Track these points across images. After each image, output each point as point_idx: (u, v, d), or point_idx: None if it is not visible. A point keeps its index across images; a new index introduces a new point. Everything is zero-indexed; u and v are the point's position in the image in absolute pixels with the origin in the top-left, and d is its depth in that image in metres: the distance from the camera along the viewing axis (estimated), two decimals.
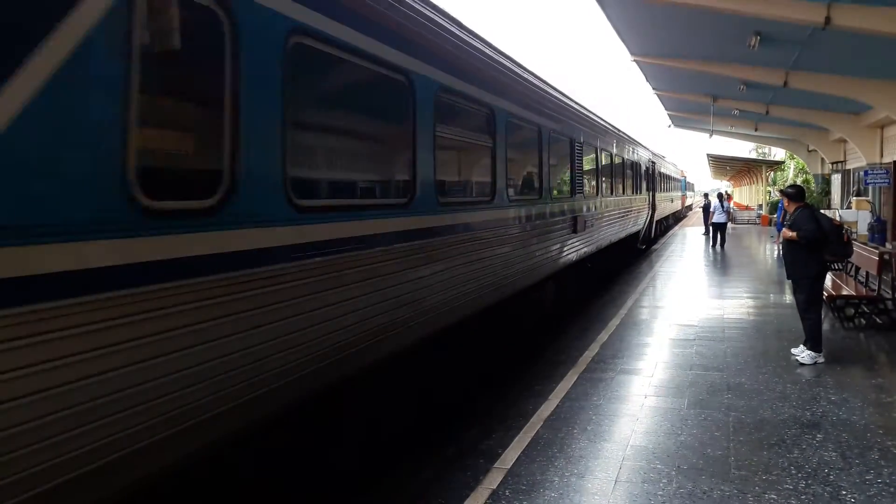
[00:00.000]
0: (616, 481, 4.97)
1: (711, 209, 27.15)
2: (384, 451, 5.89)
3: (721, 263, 20.43)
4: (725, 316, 11.51)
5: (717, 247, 25.13)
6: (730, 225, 40.28)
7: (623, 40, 17.41)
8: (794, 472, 5.10)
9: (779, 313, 11.70)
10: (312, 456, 4.96)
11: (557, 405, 6.68)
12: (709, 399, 6.91)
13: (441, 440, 6.07)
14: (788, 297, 13.62)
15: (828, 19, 11.73)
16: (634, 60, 19.15)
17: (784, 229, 8.28)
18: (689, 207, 69.94)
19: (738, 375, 7.76)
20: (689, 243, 28.07)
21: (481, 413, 6.65)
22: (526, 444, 5.67)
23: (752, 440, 5.77)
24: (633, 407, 6.68)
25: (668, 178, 35.89)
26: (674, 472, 5.11)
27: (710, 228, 26.89)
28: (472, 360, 8.04)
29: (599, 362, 8.38)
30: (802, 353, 8.32)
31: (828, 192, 31.98)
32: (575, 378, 7.65)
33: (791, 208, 8.48)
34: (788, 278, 8.61)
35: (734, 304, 12.75)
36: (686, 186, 58.71)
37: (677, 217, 47.95)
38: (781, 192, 8.26)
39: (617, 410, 6.59)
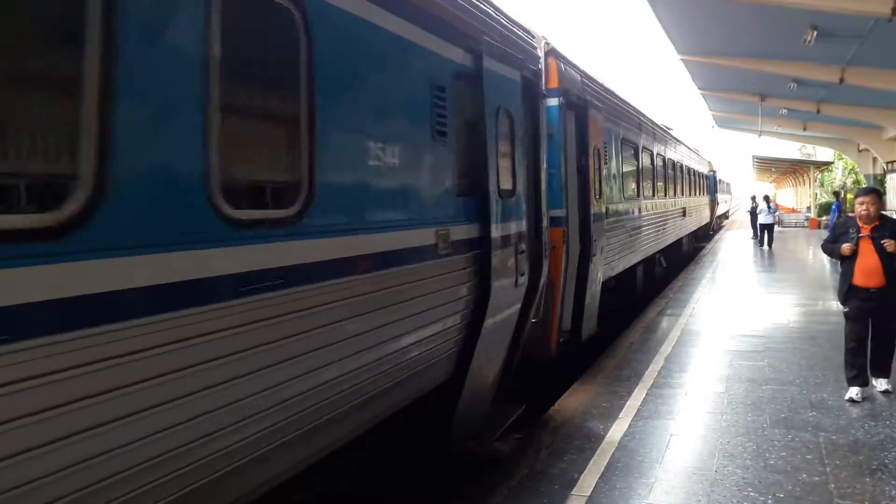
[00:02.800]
0: None
1: (758, 210, 28.18)
2: (446, 469, 5.56)
3: (775, 268, 19.70)
4: (792, 325, 10.94)
5: (765, 246, 26.20)
6: (777, 228, 39.42)
7: (671, 38, 16.88)
8: None
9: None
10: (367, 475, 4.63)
11: (629, 425, 6.26)
12: (792, 417, 6.42)
13: (508, 459, 5.71)
14: None
15: (895, 10, 11.10)
16: (682, 59, 18.60)
17: (889, 241, 6.55)
18: (725, 216, 53.89)
19: (818, 391, 7.25)
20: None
21: (546, 431, 6.27)
22: (602, 468, 5.27)
23: (850, 464, 5.29)
24: (711, 425, 6.23)
25: (679, 167, 20.97)
26: (770, 501, 4.66)
27: (759, 229, 27.85)
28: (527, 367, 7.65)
29: (667, 377, 7.93)
30: (878, 384, 7.08)
31: (883, 193, 30.80)
32: (644, 394, 7.22)
33: (872, 211, 6.77)
34: (884, 302, 6.76)
35: (798, 312, 12.15)
36: (716, 186, 35.72)
37: (699, 236, 29.93)
38: (868, 191, 7.14)
39: (694, 430, 6.15)
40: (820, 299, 14.03)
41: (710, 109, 31.09)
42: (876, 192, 7.15)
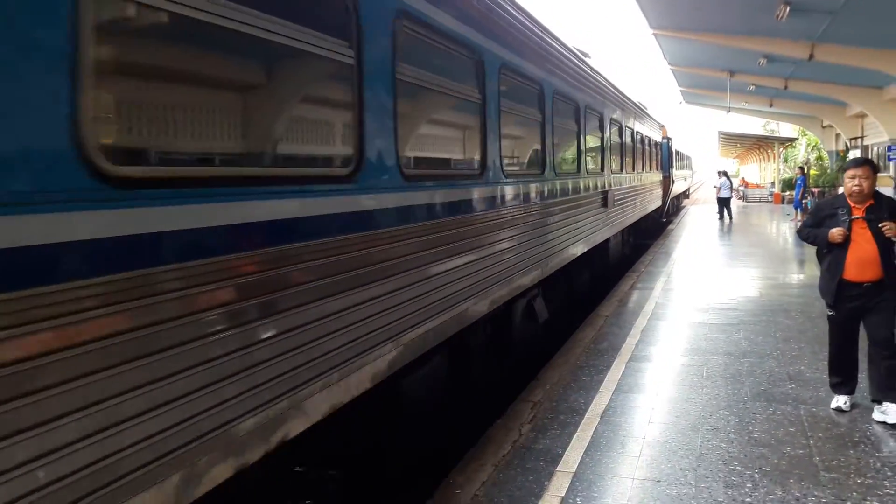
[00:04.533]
0: (696, 486, 4.48)
1: (718, 185, 28.90)
2: (428, 446, 5.42)
3: (742, 243, 19.89)
4: (764, 298, 11.01)
5: (726, 219, 27.06)
6: (742, 203, 40.00)
7: (644, 12, 16.75)
8: (890, 473, 4.60)
9: (817, 294, 11.08)
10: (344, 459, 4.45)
11: (611, 399, 6.18)
12: (771, 390, 6.40)
13: (490, 436, 5.58)
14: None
15: None
16: (654, 33, 18.51)
17: (889, 224, 5.35)
18: (685, 195, 44.24)
19: (795, 363, 7.26)
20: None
21: (528, 406, 6.16)
22: (587, 443, 5.17)
23: (833, 437, 5.27)
24: (693, 399, 6.17)
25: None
26: (757, 475, 4.61)
27: (718, 203, 28.38)
28: (505, 344, 7.54)
29: (644, 350, 7.87)
30: (887, 410, 5.51)
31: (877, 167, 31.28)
32: (623, 368, 7.15)
33: (866, 187, 5.52)
34: (879, 299, 5.54)
35: (769, 285, 12.24)
36: (670, 158, 27.83)
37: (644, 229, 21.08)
38: (861, 163, 5.90)
39: (675, 403, 6.09)
40: (789, 272, 14.23)
41: (679, 85, 31.25)
42: (870, 164, 5.69)
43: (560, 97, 8.79)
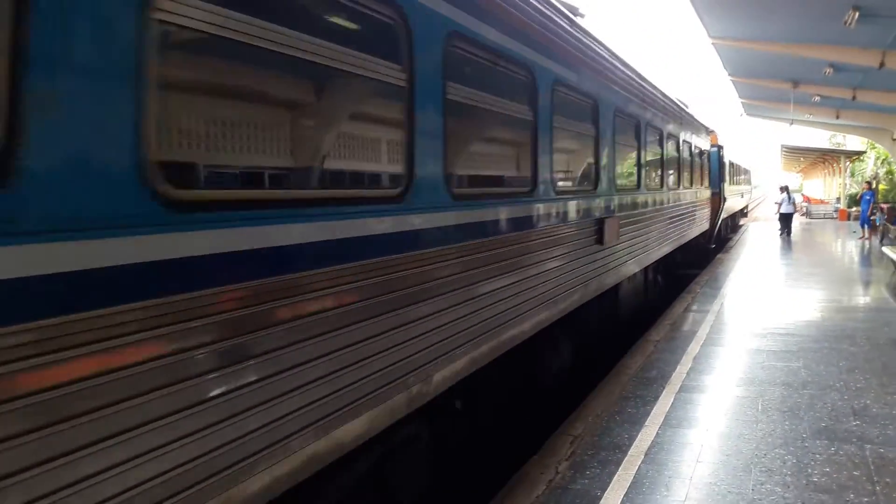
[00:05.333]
0: None
1: (779, 201, 28.29)
2: (453, 481, 5.17)
3: (804, 261, 18.99)
4: (826, 322, 10.37)
5: (785, 234, 26.61)
6: (805, 220, 38.49)
7: (702, 20, 16.21)
8: None
9: (885, 319, 10.49)
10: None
11: (657, 434, 5.81)
12: (834, 426, 5.92)
13: (525, 474, 5.29)
14: (891, 300, 12.35)
15: None
16: (713, 42, 17.92)
17: None
18: (743, 213, 39.68)
19: (860, 396, 6.73)
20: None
21: (567, 440, 5.84)
22: (628, 484, 4.83)
23: None
24: (746, 435, 5.75)
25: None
26: None
27: (780, 218, 27.73)
28: (541, 372, 7.23)
29: (695, 380, 7.44)
30: None
31: None
32: (671, 399, 6.74)
33: None
34: None
35: (832, 308, 11.56)
36: (721, 170, 22.16)
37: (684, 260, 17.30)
38: None
39: (727, 440, 5.67)
40: (854, 294, 13.44)
41: (740, 97, 30.29)
42: None
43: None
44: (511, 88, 5.73)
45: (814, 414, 6.25)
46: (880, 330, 9.73)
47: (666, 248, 12.77)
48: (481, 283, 4.84)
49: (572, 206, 6.98)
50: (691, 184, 15.64)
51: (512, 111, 5.76)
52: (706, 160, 18.84)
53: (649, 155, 10.96)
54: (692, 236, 16.45)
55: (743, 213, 40.46)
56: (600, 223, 7.82)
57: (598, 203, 7.89)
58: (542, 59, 6.02)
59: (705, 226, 18.81)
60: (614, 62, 8.90)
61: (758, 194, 67.97)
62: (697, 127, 16.94)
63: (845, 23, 13.67)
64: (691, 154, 15.65)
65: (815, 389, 6.98)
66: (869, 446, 5.47)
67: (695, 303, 12.26)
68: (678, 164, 13.89)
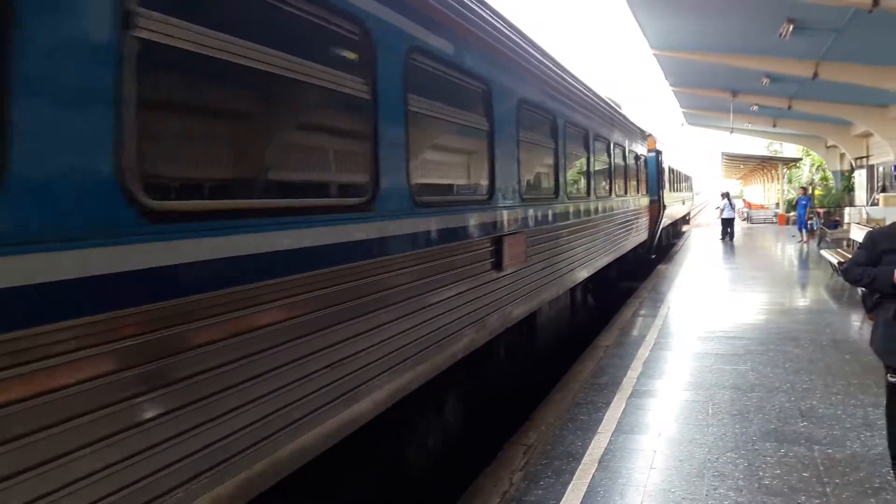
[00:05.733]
0: None
1: (721, 206, 29.18)
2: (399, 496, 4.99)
3: (746, 265, 19.47)
4: (771, 325, 10.57)
5: (727, 238, 27.25)
6: (746, 224, 39.64)
7: (644, 31, 16.50)
8: None
9: (826, 320, 10.75)
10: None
11: (610, 440, 5.76)
12: (782, 428, 5.97)
13: (478, 487, 5.16)
14: (830, 302, 12.71)
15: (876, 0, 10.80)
16: (654, 54, 18.25)
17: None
18: (685, 220, 38.72)
19: (807, 397, 6.83)
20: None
21: (520, 450, 5.73)
22: (583, 494, 4.74)
23: (852, 483, 4.84)
24: (698, 440, 5.75)
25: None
26: None
27: (721, 223, 28.34)
28: (496, 378, 7.14)
29: (646, 384, 7.45)
30: None
31: (850, 189, 30.94)
32: (623, 405, 6.72)
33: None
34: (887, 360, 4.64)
35: (776, 311, 11.81)
36: (659, 176, 20.98)
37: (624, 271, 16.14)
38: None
39: (679, 445, 5.66)
40: (795, 296, 13.80)
41: (681, 106, 31.03)
42: None
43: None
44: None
45: (762, 416, 6.30)
46: (822, 331, 9.96)
47: (598, 263, 11.24)
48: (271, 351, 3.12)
49: (443, 223, 4.97)
50: (626, 191, 14.26)
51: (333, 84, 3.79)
52: (643, 166, 17.30)
53: (571, 159, 9.39)
54: (630, 247, 15.09)
55: (685, 219, 39.24)
56: (497, 242, 6.01)
57: (495, 217, 6.03)
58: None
59: (644, 236, 17.53)
60: (512, 34, 6.79)
61: (700, 200, 69.01)
62: (632, 130, 15.62)
63: (780, 35, 14.07)
64: (625, 159, 14.24)
65: (763, 392, 7.06)
66: (817, 447, 5.52)
67: (642, 307, 12.38)
68: (609, 169, 12.43)
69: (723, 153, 46.01)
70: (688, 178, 39.59)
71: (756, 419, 6.22)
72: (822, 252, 17.55)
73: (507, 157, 6.39)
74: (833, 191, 33.75)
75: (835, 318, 11.08)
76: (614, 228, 12.75)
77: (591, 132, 10.63)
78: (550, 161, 8.41)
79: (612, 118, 12.90)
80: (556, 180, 8.45)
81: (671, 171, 26.07)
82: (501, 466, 5.30)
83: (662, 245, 23.93)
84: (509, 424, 6.36)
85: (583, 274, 10.07)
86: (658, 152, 20.52)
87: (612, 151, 12.44)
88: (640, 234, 16.60)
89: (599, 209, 11.15)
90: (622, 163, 13.88)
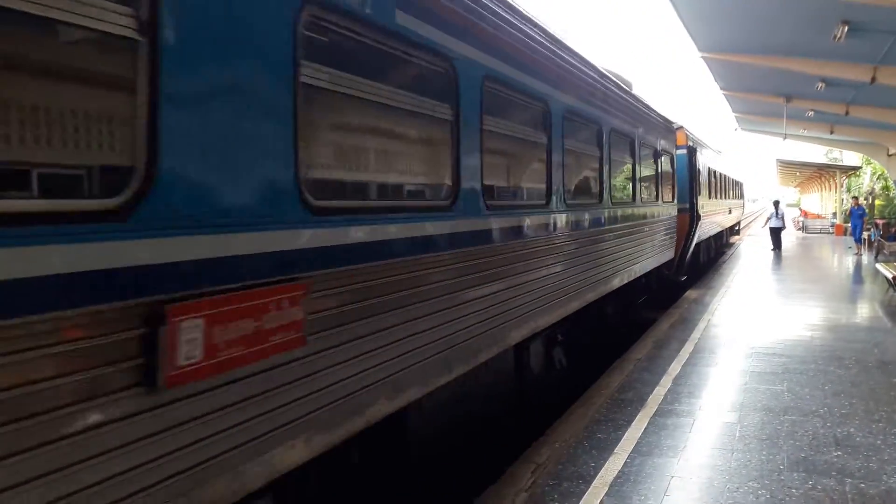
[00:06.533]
0: None
1: (769, 215, 28.36)
2: None
3: (797, 277, 18.69)
4: (816, 341, 10.05)
5: (775, 248, 26.27)
6: (802, 234, 38.31)
7: (691, 34, 16.00)
8: None
9: (876, 339, 10.17)
10: None
11: (625, 462, 5.48)
12: (813, 457, 5.59)
13: None
14: (884, 319, 12.05)
15: None
16: (702, 57, 17.70)
17: None
18: (734, 230, 35.44)
19: (844, 423, 6.41)
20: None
21: (528, 468, 5.50)
22: None
23: None
24: (720, 466, 5.42)
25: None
26: None
27: (770, 232, 27.48)
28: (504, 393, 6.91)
29: (673, 402, 7.11)
30: None
31: None
32: (645, 424, 6.41)
33: None
34: None
35: (823, 327, 11.23)
36: (693, 177, 17.27)
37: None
38: None
39: (699, 471, 5.34)
40: (845, 312, 13.10)
41: (733, 111, 30.11)
42: None
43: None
44: None
45: (793, 443, 5.92)
46: (870, 351, 9.42)
47: (572, 305, 7.83)
48: None
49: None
50: (636, 198, 11.07)
51: None
52: (667, 166, 13.95)
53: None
54: (640, 272, 11.75)
55: (734, 230, 35.74)
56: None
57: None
58: None
59: (668, 255, 14.24)
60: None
61: (757, 208, 66.22)
62: (647, 118, 12.16)
63: (835, 37, 13.44)
64: (635, 154, 10.95)
65: (797, 415, 6.66)
66: (849, 480, 5.14)
67: (681, 320, 11.94)
68: (601, 169, 9.09)
69: (777, 160, 44.51)
70: (737, 184, 35.00)
71: (786, 445, 5.85)
72: (878, 266, 16.72)
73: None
74: (895, 201, 32.30)
75: (886, 336, 10.47)
76: (611, 249, 9.47)
77: (574, 111, 7.79)
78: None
79: (613, 98, 9.64)
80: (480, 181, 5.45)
81: (713, 173, 22.39)
82: (506, 485, 5.08)
83: (701, 263, 20.62)
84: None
85: (539, 321, 6.82)
86: (691, 149, 17.12)
87: (607, 142, 9.22)
88: (660, 254, 13.35)
89: (579, 223, 7.99)
90: (628, 160, 10.74)
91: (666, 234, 13.93)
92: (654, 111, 13.22)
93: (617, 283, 10.10)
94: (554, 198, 7.11)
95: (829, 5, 12.26)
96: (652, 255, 12.73)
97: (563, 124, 7.40)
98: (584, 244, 8.26)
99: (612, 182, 9.68)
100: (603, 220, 9.10)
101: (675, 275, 16.08)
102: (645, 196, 11.98)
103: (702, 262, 20.87)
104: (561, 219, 7.34)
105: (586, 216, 8.33)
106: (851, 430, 6.24)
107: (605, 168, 9.24)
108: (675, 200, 15.02)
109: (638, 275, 11.61)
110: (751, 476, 5.22)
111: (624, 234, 10.26)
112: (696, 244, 17.87)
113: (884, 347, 9.63)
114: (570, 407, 7.12)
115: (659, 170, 13.17)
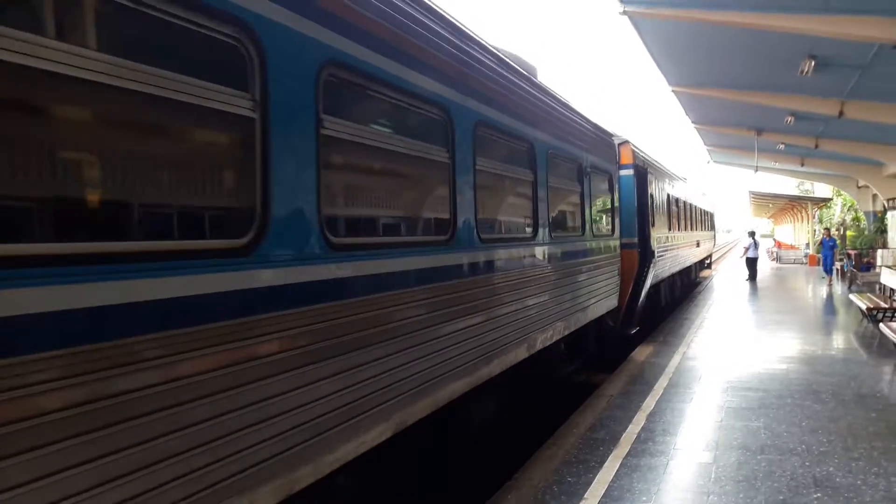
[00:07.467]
0: None
1: (746, 245, 28.28)
2: None
3: (771, 308, 18.64)
4: (792, 375, 9.87)
5: (749, 280, 26.40)
6: (775, 265, 38.60)
7: (661, 68, 16.11)
8: None
9: (852, 372, 10.03)
10: None
11: None
12: (793, 500, 5.34)
13: None
14: (859, 350, 11.95)
15: None
16: (673, 91, 17.84)
17: None
18: (704, 264, 33.20)
19: (823, 462, 6.18)
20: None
21: None
22: None
23: None
24: None
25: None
26: None
27: (746, 263, 27.61)
28: (475, 430, 6.60)
29: (647, 441, 6.85)
30: None
31: (883, 231, 29.93)
32: (616, 465, 6.14)
33: None
34: None
35: (798, 359, 11.08)
36: (645, 203, 14.38)
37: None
38: None
39: None
40: (821, 344, 12.98)
41: (705, 144, 30.47)
42: None
43: None
44: None
45: (771, 484, 5.67)
46: (847, 384, 9.25)
47: (435, 396, 5.17)
48: None
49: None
50: (550, 230, 8.10)
51: None
52: (600, 189, 11.05)
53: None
54: (552, 339, 8.22)
55: (704, 263, 33.09)
56: None
57: None
58: None
59: (609, 303, 11.42)
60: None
61: (730, 238, 65.38)
62: (561, 119, 8.86)
63: (801, 72, 13.58)
64: (536, 169, 7.63)
65: (775, 454, 6.43)
66: None
67: (655, 354, 11.74)
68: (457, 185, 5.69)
69: (750, 192, 45.10)
70: (707, 214, 32.28)
71: (763, 487, 5.60)
72: (852, 296, 16.73)
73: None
74: (865, 232, 32.73)
75: (862, 369, 10.34)
76: (475, 316, 5.96)
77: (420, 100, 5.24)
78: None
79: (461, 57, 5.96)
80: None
81: (675, 202, 19.68)
82: None
83: (663, 305, 18.16)
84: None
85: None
86: (640, 171, 14.08)
87: (468, 145, 5.89)
88: (598, 304, 10.55)
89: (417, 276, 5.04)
90: (522, 177, 7.49)
91: (604, 278, 10.90)
92: (576, 112, 9.93)
93: (496, 366, 6.41)
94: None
95: (796, 40, 12.38)
96: (593, 301, 10.18)
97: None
98: (427, 309, 5.07)
99: (481, 211, 6.17)
100: (459, 270, 5.65)
101: (623, 327, 12.93)
102: (558, 229, 8.77)
103: (664, 304, 18.35)
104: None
105: (429, 262, 5.18)
106: (831, 469, 6.02)
107: (464, 186, 5.77)
108: (617, 233, 12.05)
109: (551, 341, 8.16)
110: None
111: (514, 287, 6.92)
112: (652, 285, 15.07)
113: (860, 380, 9.48)
114: (541, 447, 6.83)
115: (585, 193, 9.88)
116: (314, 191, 3.68)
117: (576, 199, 9.70)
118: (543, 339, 7.86)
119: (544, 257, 7.99)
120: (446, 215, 5.54)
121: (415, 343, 4.77)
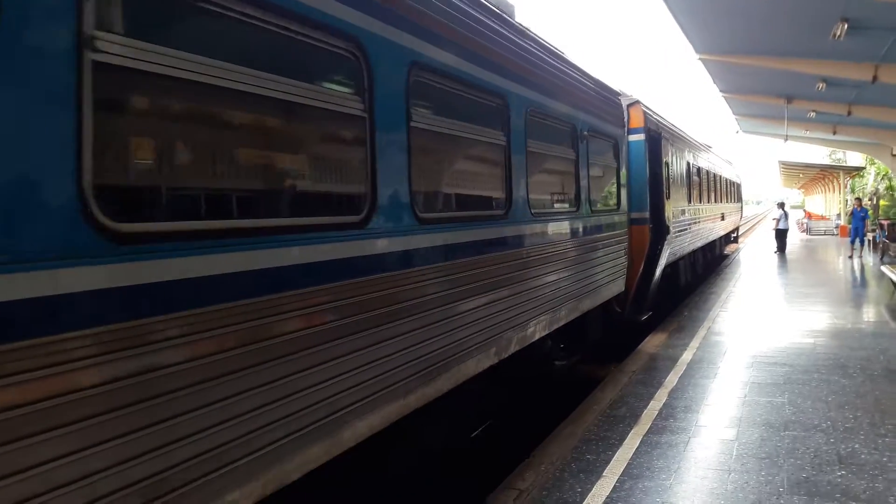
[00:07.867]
0: None
1: (775, 216, 27.76)
2: None
3: (801, 280, 18.29)
4: (819, 349, 9.68)
5: (778, 252, 26.19)
6: (806, 236, 37.89)
7: (687, 35, 15.67)
8: None
9: (882, 346, 9.81)
10: None
11: (614, 487, 5.14)
12: (815, 477, 5.24)
13: None
14: (891, 323, 11.68)
15: None
16: (700, 59, 17.37)
17: None
18: (730, 238, 31.28)
19: (849, 439, 6.05)
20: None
21: (510, 495, 5.17)
22: None
23: None
24: (714, 489, 5.07)
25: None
26: None
27: (776, 234, 27.28)
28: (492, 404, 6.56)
29: (668, 418, 6.76)
30: None
31: None
32: (637, 443, 6.07)
33: None
34: None
35: (826, 333, 10.87)
36: (658, 172, 12.55)
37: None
38: None
39: (692, 496, 5.00)
40: (850, 317, 12.70)
41: (734, 113, 29.74)
42: None
43: None
44: None
45: (794, 461, 5.57)
46: (876, 359, 9.06)
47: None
48: None
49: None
50: (509, 206, 6.17)
51: None
52: (604, 156, 9.68)
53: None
54: (542, 332, 7.02)
55: (730, 237, 31.12)
56: None
57: None
58: None
59: (615, 287, 10.06)
60: None
61: (760, 210, 64.23)
62: (551, 73, 7.49)
63: (834, 35, 13.10)
64: (510, 131, 6.17)
65: (799, 430, 6.31)
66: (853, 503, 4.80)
67: (678, 329, 11.59)
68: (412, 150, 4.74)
69: (780, 161, 44.11)
70: (733, 185, 30.28)
71: (786, 465, 5.50)
72: (884, 268, 16.35)
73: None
74: None
75: (892, 342, 10.10)
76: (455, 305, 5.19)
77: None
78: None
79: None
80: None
81: (697, 171, 17.93)
82: None
83: (682, 285, 16.55)
84: None
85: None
86: (653, 136, 12.47)
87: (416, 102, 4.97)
88: (590, 294, 8.72)
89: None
90: (495, 140, 6.05)
91: (606, 260, 9.41)
92: (566, 61, 8.37)
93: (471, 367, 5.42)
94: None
95: (828, 2, 11.94)
96: (593, 288, 8.81)
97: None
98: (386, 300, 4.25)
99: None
100: (427, 254, 4.77)
101: (632, 314, 11.39)
102: (547, 203, 7.69)
103: (682, 284, 16.69)
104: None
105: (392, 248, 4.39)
106: (856, 446, 5.89)
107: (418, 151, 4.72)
108: (624, 207, 10.52)
109: (534, 338, 6.79)
110: (748, 500, 4.87)
111: (504, 273, 5.99)
112: (669, 264, 13.64)
113: (890, 354, 9.27)
114: (560, 424, 6.79)
115: (581, 160, 8.31)
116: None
117: (566, 167, 8.08)
118: (520, 339, 6.37)
119: (520, 240, 6.37)
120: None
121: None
